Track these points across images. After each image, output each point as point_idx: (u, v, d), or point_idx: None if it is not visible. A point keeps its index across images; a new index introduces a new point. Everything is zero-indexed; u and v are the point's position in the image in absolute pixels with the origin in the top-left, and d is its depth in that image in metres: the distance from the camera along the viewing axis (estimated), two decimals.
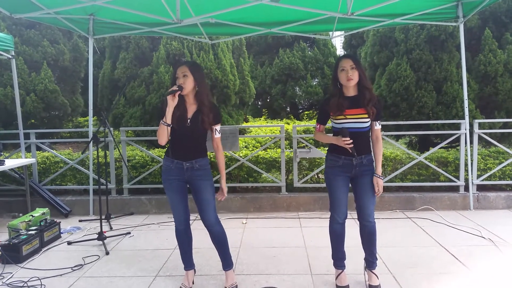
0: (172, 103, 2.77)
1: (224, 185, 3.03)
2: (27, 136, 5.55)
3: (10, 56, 5.18)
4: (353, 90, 2.87)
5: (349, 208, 3.04)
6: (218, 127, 2.97)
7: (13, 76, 5.33)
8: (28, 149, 5.62)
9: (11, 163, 4.86)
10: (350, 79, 2.78)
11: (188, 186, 2.99)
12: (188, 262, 3.12)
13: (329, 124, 3.02)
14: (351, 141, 2.76)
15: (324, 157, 5.35)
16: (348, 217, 3.01)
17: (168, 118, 2.79)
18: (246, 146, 5.94)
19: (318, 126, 3.02)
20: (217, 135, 2.99)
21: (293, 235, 4.34)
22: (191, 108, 2.89)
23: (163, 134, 2.81)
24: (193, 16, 4.43)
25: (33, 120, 7.88)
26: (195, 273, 3.22)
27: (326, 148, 5.67)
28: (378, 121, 2.94)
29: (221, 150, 3.05)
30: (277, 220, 4.93)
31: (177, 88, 2.76)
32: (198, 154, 2.92)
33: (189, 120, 2.86)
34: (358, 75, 2.80)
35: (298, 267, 3.49)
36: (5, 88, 7.27)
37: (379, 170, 2.91)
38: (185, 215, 3.00)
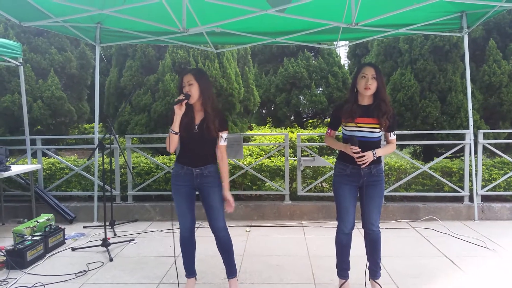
0: (179, 111, 2.81)
1: (229, 195, 2.98)
2: (33, 142, 5.60)
3: (18, 63, 5.26)
4: (368, 99, 2.87)
5: (356, 218, 3.02)
6: (224, 134, 2.95)
7: (21, 83, 5.40)
8: (34, 155, 5.66)
9: (17, 168, 4.91)
10: (368, 88, 2.78)
11: (197, 193, 3.01)
12: (190, 270, 3.13)
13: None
14: (359, 150, 2.77)
15: (328, 166, 5.37)
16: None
17: (176, 126, 2.83)
18: (250, 154, 5.96)
19: (329, 131, 3.04)
20: (222, 143, 2.96)
21: (296, 244, 4.34)
22: (198, 115, 2.92)
23: (172, 142, 2.87)
24: (199, 26, 4.48)
25: (39, 127, 7.95)
26: (196, 281, 3.22)
27: (330, 157, 5.70)
28: (393, 132, 2.94)
29: (225, 159, 3.01)
30: (280, 229, 4.93)
31: (184, 97, 2.79)
32: (208, 161, 2.94)
33: (196, 127, 2.89)
34: (376, 86, 2.80)
35: (302, 276, 3.49)
36: (13, 94, 7.35)
37: (379, 151, 2.85)
38: (191, 223, 3.02)
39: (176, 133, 2.84)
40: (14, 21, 4.35)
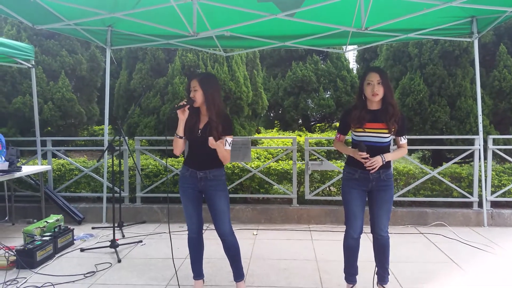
0: (182, 117, 2.87)
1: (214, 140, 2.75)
2: (43, 144, 5.66)
3: (30, 66, 5.33)
4: (376, 104, 2.87)
5: (365, 223, 3.01)
6: (228, 139, 2.89)
7: (32, 84, 5.47)
8: (44, 156, 5.72)
9: (27, 169, 4.96)
10: (375, 94, 2.78)
11: (203, 195, 3.03)
12: (198, 271, 3.15)
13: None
14: (368, 155, 2.77)
15: (336, 170, 5.36)
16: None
17: (180, 130, 2.89)
18: (258, 157, 5.97)
19: (339, 135, 3.04)
20: (227, 147, 2.88)
21: (304, 248, 4.33)
22: (203, 119, 2.95)
23: (177, 146, 2.92)
24: (209, 30, 4.51)
25: (49, 128, 8.02)
26: (203, 283, 3.23)
27: (338, 161, 5.70)
28: (403, 136, 2.93)
29: (227, 160, 2.92)
30: (288, 232, 4.92)
31: (186, 103, 2.84)
32: (212, 165, 2.94)
33: (199, 131, 2.92)
34: (383, 91, 2.80)
35: (309, 281, 3.48)
36: (24, 96, 7.44)
37: (388, 156, 2.84)
38: (198, 224, 3.04)
39: (181, 137, 2.90)
40: (27, 24, 4.42)
